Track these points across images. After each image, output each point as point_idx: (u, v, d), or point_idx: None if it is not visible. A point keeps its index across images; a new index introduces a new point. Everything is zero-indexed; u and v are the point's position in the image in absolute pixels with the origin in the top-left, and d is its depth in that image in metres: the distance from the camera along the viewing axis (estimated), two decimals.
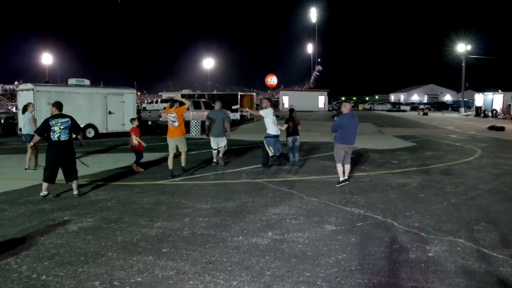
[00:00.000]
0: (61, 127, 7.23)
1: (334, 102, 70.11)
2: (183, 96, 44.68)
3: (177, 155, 9.96)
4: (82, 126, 19.75)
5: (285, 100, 63.54)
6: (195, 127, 21.55)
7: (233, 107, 32.78)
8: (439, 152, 14.58)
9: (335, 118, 11.39)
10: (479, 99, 45.92)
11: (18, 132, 19.75)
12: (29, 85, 18.90)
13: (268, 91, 70.91)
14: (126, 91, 21.63)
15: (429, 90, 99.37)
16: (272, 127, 10.44)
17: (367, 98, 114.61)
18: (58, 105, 7.69)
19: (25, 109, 10.99)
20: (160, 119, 23.98)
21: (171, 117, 9.75)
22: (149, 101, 57.60)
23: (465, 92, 57.18)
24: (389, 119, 38.33)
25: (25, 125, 11.21)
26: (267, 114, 10.54)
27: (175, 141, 9.82)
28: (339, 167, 8.61)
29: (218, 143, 11.06)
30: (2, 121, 23.08)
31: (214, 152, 11.19)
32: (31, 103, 11.39)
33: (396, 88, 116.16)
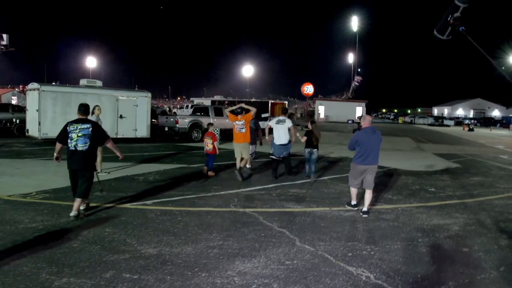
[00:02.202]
0: (79, 134, 6.18)
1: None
2: (213, 102, 43.75)
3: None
4: None
5: (321, 110, 61.18)
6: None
7: (263, 115, 30.87)
8: (488, 177, 12.00)
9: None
10: None
11: (26, 134, 18.77)
12: (35, 85, 17.78)
13: (306, 100, 68.86)
14: (140, 94, 20.17)
15: (476, 105, 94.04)
16: (280, 136, 10.10)
17: (408, 111, 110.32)
18: (81, 108, 6.51)
19: (92, 112, 9.92)
20: (177, 125, 22.42)
21: (239, 124, 10.08)
22: (179, 105, 56.98)
23: None
24: (430, 134, 35.19)
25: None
26: (273, 124, 10.33)
27: (239, 147, 10.12)
28: (353, 191, 7.35)
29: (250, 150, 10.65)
30: (18, 121, 22.27)
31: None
32: (97, 106, 10.26)
33: (440, 102, 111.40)
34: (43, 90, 17.08)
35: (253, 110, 10.41)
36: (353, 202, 7.39)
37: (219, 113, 23.23)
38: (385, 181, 10.73)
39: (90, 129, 6.25)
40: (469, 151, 20.69)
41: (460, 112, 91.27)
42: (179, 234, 5.63)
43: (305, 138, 10.24)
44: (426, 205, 8.00)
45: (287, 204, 7.64)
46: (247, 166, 10.79)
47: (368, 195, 7.07)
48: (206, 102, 44.47)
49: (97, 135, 6.36)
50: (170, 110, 48.75)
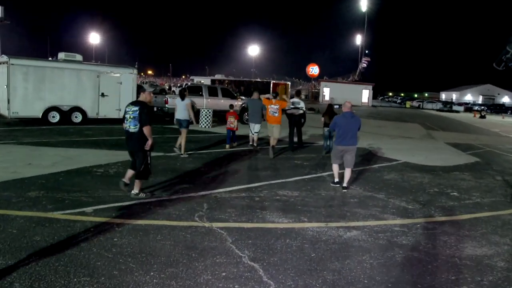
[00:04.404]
0: (131, 116, 6.31)
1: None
2: (213, 81, 41.75)
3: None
4: (67, 109, 16.98)
5: (326, 92, 58.82)
6: (206, 117, 17.88)
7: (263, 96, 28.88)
8: None
9: None
10: None
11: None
12: (4, 58, 15.87)
13: (312, 81, 66.56)
14: (125, 70, 18.17)
15: (485, 91, 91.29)
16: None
17: (415, 95, 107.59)
18: (138, 89, 6.21)
19: (183, 96, 10.63)
20: (167, 105, 20.55)
21: (274, 108, 11.06)
22: (179, 84, 55.02)
23: None
24: (440, 121, 33.15)
25: (181, 110, 10.50)
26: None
27: (272, 127, 11.11)
28: (334, 167, 7.93)
29: (255, 128, 11.81)
30: None
31: (255, 135, 11.94)
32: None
33: (448, 87, 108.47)
34: (12, 64, 15.17)
35: (288, 102, 12.03)
36: (336, 179, 7.93)
37: (213, 93, 21.23)
38: (396, 179, 8.91)
39: (138, 111, 6.25)
40: (484, 141, 18.78)
41: (468, 97, 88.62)
42: (99, 272, 3.85)
43: (322, 118, 12.41)
44: (451, 220, 6.18)
45: (271, 215, 5.84)
46: (250, 143, 12.19)
47: (348, 173, 7.72)
48: (206, 81, 42.57)
49: (141, 116, 6.25)
50: (170, 88, 46.69)
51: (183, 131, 10.25)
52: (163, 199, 6.38)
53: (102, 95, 17.20)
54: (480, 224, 6.04)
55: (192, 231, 5.06)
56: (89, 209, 5.64)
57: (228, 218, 5.58)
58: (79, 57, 17.83)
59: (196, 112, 18.94)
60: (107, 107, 17.41)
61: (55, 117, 16.06)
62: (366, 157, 11.80)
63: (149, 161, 6.49)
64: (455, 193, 7.98)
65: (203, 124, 17.57)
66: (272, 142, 11.09)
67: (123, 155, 9.74)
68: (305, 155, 11.48)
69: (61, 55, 17.62)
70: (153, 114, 6.88)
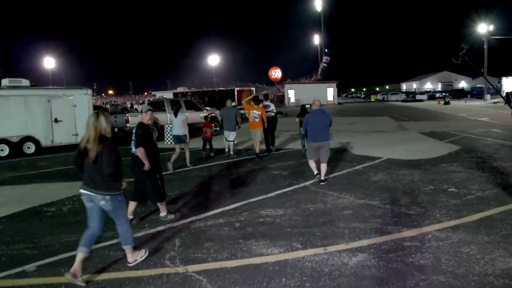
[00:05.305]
0: (133, 139, 6.09)
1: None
2: (176, 94, 40.43)
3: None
4: (17, 140, 15.40)
5: (291, 94, 58.48)
6: (171, 133, 16.70)
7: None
8: (505, 162, 9.60)
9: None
10: (508, 83, 40.40)
11: None
12: None
13: (275, 84, 66.05)
14: (78, 92, 16.83)
15: (443, 78, 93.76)
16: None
17: (377, 89, 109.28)
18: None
19: (177, 112, 10.63)
20: (128, 124, 19.26)
21: (255, 114, 11.37)
22: (141, 101, 53.25)
23: (483, 76, 51.47)
24: (407, 111, 33.11)
25: (178, 126, 10.52)
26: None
27: (255, 131, 11.47)
28: (311, 163, 8.28)
29: (231, 136, 12.12)
30: None
31: (230, 143, 12.18)
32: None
33: (408, 77, 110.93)
34: None
35: (263, 111, 11.73)
36: (316, 171, 8.19)
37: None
38: (386, 180, 8.14)
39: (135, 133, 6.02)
40: (456, 127, 18.48)
41: (428, 86, 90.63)
42: None
43: (297, 119, 11.99)
44: (463, 223, 5.38)
45: (257, 245, 4.86)
46: (226, 150, 12.32)
47: (323, 167, 8.11)
48: (169, 95, 41.21)
49: (137, 138, 5.94)
50: (132, 107, 44.91)
51: (185, 146, 10.55)
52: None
53: (56, 120, 15.84)
54: (496, 224, 5.28)
55: (163, 281, 4.02)
56: (31, 267, 4.50)
57: (207, 257, 4.57)
58: (25, 82, 16.36)
59: (160, 129, 17.82)
60: (62, 133, 16.04)
61: (3, 150, 14.58)
62: (346, 158, 11.04)
63: (160, 184, 6.18)
64: (452, 189, 7.26)
65: (168, 141, 16.40)
66: (258, 147, 11.51)
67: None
68: (282, 164, 10.58)
69: (5, 82, 16.09)
70: (147, 135, 6.06)
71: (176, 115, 10.56)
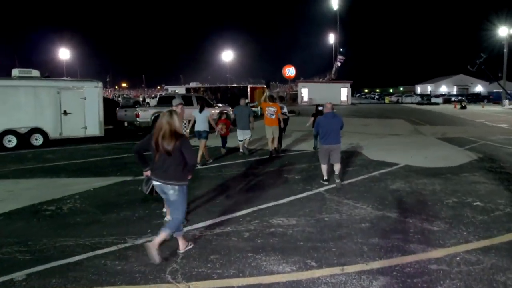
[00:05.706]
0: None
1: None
2: (188, 89, 40.11)
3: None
4: (25, 131, 15.18)
5: (304, 93, 57.85)
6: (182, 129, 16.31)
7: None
8: None
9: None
10: None
11: None
12: None
13: (289, 82, 65.48)
14: (88, 84, 16.56)
15: (459, 81, 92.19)
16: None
17: (391, 90, 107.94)
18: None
19: (202, 108, 10.69)
20: (138, 119, 18.98)
21: (271, 110, 11.42)
22: (153, 95, 53.10)
23: (497, 83, 50.17)
24: (422, 114, 32.36)
25: (200, 122, 10.57)
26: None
27: (272, 129, 11.47)
28: (323, 167, 8.24)
29: (244, 135, 12.01)
30: None
31: (240, 143, 12.09)
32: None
33: (423, 79, 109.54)
34: None
35: (278, 107, 11.73)
36: (325, 177, 8.18)
37: (188, 102, 19.74)
38: (405, 189, 7.65)
39: None
40: (474, 133, 17.83)
41: (443, 89, 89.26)
42: None
43: (311, 119, 12.44)
44: (494, 245, 4.88)
45: (267, 261, 4.44)
46: (241, 150, 12.06)
47: (337, 167, 8.11)
48: (181, 89, 40.94)
49: None
50: (144, 100, 44.71)
51: (202, 142, 10.42)
52: (125, 247, 4.91)
53: (65, 112, 15.57)
54: None
55: None
56: (20, 275, 4.14)
57: (211, 272, 4.16)
58: (35, 72, 16.10)
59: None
60: (71, 125, 15.79)
61: (11, 142, 14.35)
62: (362, 162, 10.56)
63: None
64: (478, 203, 6.75)
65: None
66: (274, 144, 11.63)
67: (84, 183, 8.28)
68: (294, 166, 10.14)
69: (15, 72, 15.87)
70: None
71: (201, 110, 10.58)
